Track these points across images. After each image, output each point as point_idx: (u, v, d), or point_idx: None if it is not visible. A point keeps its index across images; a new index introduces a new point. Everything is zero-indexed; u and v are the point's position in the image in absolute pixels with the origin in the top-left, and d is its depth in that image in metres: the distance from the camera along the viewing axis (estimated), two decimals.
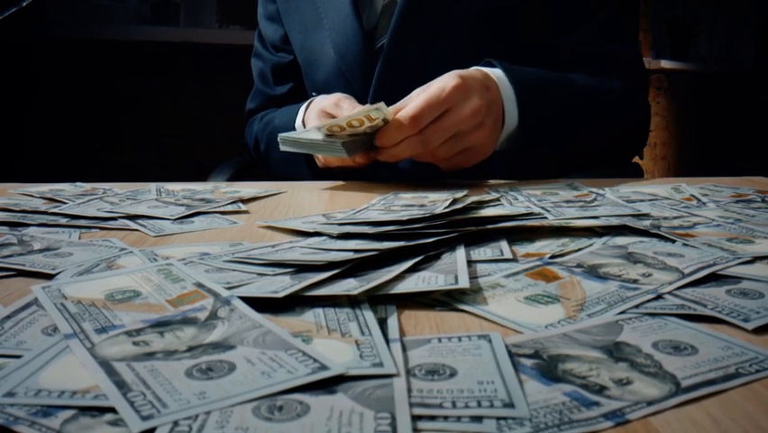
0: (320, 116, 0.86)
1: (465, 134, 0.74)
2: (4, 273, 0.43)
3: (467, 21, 0.91)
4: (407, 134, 0.71)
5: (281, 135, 0.78)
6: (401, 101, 0.75)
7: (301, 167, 0.93)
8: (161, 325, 0.32)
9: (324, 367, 0.27)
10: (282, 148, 0.79)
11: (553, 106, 0.84)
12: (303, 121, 0.94)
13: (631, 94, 0.92)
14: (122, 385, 0.26)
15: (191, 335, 0.31)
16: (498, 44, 0.90)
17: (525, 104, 0.79)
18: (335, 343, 0.31)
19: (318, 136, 0.75)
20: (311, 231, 0.49)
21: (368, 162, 0.78)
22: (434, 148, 0.73)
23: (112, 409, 0.25)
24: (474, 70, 0.78)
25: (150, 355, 0.29)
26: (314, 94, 0.97)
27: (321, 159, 0.87)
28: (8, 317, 0.34)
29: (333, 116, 0.83)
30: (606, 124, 0.90)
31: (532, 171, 0.83)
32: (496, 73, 0.80)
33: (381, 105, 0.69)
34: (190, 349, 0.30)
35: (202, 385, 0.26)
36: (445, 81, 0.73)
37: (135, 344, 0.30)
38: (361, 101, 0.86)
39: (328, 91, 0.92)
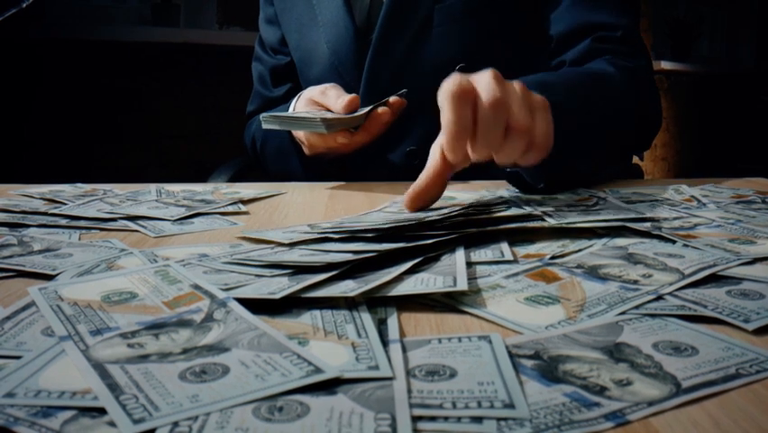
0: (307, 105, 0.86)
1: (519, 121, 0.56)
2: (4, 274, 0.43)
3: (456, 13, 0.90)
4: (498, 121, 0.54)
5: (263, 114, 0.80)
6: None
7: (293, 160, 0.94)
8: (157, 327, 0.32)
9: (318, 370, 0.27)
10: (264, 126, 0.81)
11: (578, 102, 0.71)
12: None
13: (633, 72, 0.84)
14: (114, 388, 0.26)
15: (186, 337, 0.31)
16: (489, 37, 0.89)
17: (554, 105, 0.63)
18: (332, 345, 0.31)
19: (299, 114, 0.76)
20: (289, 241, 0.47)
21: (350, 146, 0.78)
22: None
23: None
24: None
25: (144, 358, 0.29)
26: None
27: (306, 145, 0.87)
28: (8, 318, 0.34)
29: (319, 104, 0.84)
30: (624, 108, 0.80)
31: (572, 180, 0.72)
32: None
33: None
34: (185, 351, 0.29)
35: (195, 388, 0.26)
36: (481, 73, 0.58)
37: (130, 346, 0.30)
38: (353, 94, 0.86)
39: None
